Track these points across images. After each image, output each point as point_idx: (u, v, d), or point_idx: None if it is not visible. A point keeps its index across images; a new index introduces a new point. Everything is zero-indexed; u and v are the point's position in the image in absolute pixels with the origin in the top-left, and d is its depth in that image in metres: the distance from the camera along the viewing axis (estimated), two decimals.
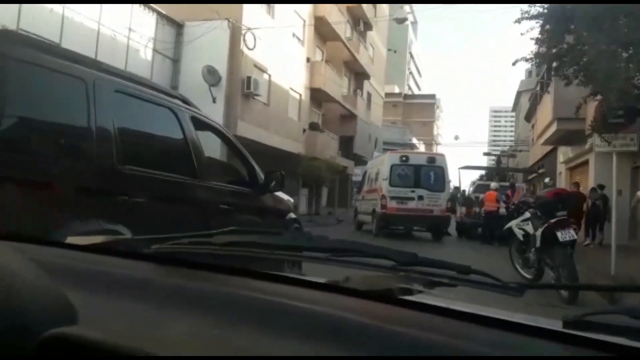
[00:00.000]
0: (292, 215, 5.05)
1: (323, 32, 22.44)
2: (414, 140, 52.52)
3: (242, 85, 14.97)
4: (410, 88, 73.35)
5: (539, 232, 6.33)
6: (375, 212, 14.02)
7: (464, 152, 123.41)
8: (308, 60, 20.53)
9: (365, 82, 30.90)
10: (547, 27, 7.50)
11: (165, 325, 0.73)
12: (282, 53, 17.71)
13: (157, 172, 3.14)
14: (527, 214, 6.94)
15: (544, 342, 0.67)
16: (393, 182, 13.63)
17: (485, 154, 31.74)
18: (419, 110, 63.72)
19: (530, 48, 7.65)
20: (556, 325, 0.71)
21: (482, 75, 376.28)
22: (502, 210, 12.87)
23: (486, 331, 0.70)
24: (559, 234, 5.96)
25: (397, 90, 61.08)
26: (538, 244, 6.33)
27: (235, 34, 14.88)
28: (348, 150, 28.09)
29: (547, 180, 10.02)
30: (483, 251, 12.06)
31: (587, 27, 6.75)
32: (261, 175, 4.34)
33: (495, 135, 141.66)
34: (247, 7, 15.18)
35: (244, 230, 1.24)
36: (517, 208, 7.39)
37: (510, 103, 48.89)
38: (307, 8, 20.23)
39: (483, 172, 30.77)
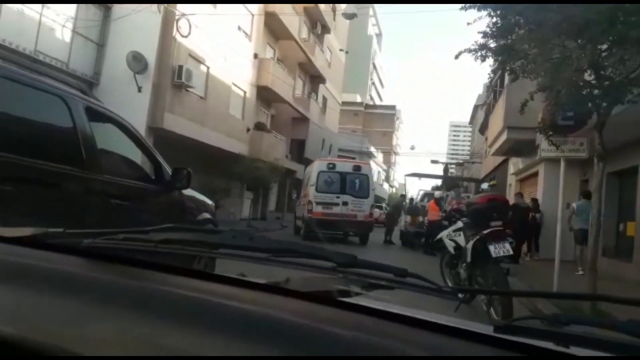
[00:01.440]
0: (207, 215, 4.80)
1: (275, 29, 21.35)
2: (372, 149, 52.63)
3: (172, 75, 13.64)
4: (372, 98, 73.88)
5: (470, 245, 5.40)
6: (304, 216, 14.53)
7: (422, 162, 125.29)
8: (256, 56, 19.35)
9: (321, 87, 30.00)
10: (495, 19, 6.65)
11: (92, 322, 0.71)
12: (225, 45, 16.49)
13: (36, 161, 3.00)
14: (459, 224, 6.01)
15: (475, 345, 0.70)
16: (320, 188, 14.26)
17: (432, 161, 31.21)
18: (379, 120, 64.55)
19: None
20: (487, 329, 0.75)
21: (444, 91, 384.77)
22: None
23: (420, 334, 0.72)
24: (491, 247, 5.05)
25: (359, 99, 61.70)
26: (469, 258, 5.40)
27: (169, 19, 13.58)
28: (300, 154, 27.07)
29: (484, 185, 8.62)
30: (425, 261, 11.53)
31: (535, 14, 5.95)
32: (169, 172, 4.15)
33: (453, 149, 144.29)
34: None
35: (182, 227, 1.20)
36: (449, 216, 6.44)
37: (468, 118, 49.30)
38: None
39: (439, 181, 30.44)
